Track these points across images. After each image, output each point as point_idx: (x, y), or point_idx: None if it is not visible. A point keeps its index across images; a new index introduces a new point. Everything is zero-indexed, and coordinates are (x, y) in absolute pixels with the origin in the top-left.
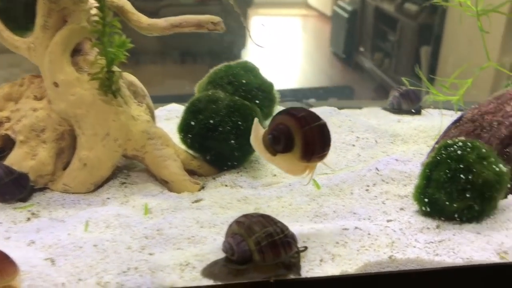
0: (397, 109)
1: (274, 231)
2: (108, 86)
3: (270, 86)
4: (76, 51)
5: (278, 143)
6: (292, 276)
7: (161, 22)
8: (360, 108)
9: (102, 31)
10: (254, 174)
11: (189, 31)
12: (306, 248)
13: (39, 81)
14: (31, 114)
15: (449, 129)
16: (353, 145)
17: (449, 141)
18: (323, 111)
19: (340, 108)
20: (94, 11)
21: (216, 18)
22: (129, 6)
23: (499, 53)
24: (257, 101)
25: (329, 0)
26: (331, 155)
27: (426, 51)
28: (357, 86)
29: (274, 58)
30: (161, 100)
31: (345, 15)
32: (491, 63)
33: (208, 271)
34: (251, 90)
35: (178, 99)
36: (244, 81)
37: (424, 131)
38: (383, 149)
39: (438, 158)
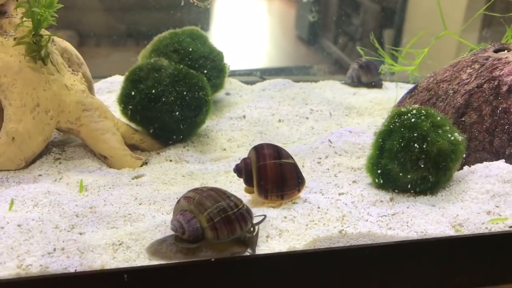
0: (356, 83)
1: (227, 206)
2: (36, 52)
3: (219, 55)
4: (0, 13)
5: (240, 175)
6: (247, 253)
7: None
8: (316, 81)
9: None
10: (202, 149)
11: None
12: (265, 216)
13: None
14: None
15: (404, 99)
16: (307, 118)
17: (403, 109)
18: (277, 83)
19: (295, 81)
20: None
21: None
22: None
23: (461, 28)
24: (205, 71)
25: None
26: (284, 128)
27: (389, 34)
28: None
29: (239, 41)
30: None
31: None
32: (447, 31)
33: (154, 249)
34: (199, 59)
35: None
36: (190, 49)
37: (379, 103)
38: (337, 121)
39: (391, 126)
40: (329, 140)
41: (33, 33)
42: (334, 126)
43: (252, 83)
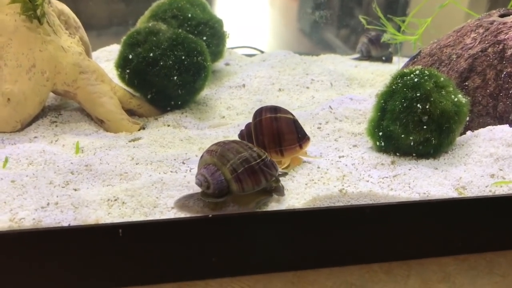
0: (366, 57)
1: (250, 156)
2: (32, 10)
3: (219, 22)
4: None
5: (243, 139)
6: (276, 197)
7: None
8: (317, 55)
9: None
10: (200, 116)
11: None
12: (286, 173)
13: None
14: None
15: (406, 65)
16: (307, 88)
17: (406, 70)
18: (278, 54)
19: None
20: None
21: None
22: None
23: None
24: (204, 38)
25: None
26: (284, 97)
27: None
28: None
29: (241, 33)
30: None
31: None
32: (452, 0)
33: (182, 204)
34: (198, 26)
35: None
36: (190, 15)
37: (381, 75)
38: (338, 91)
39: (393, 87)
40: (330, 107)
41: None
42: (335, 96)
43: (252, 55)
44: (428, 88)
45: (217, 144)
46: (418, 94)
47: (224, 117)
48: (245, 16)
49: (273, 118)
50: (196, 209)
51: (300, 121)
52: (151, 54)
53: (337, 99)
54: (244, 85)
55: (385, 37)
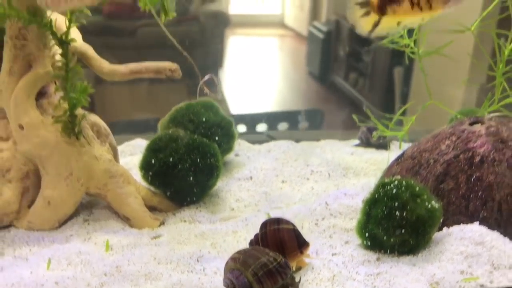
0: (365, 144)
1: (267, 261)
2: (71, 129)
3: (229, 123)
4: (41, 94)
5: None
6: None
7: (122, 68)
8: (318, 140)
9: (65, 77)
10: (213, 209)
11: (148, 77)
12: (300, 268)
13: (5, 122)
14: None
15: (392, 165)
16: (308, 179)
17: (386, 180)
18: (281, 145)
19: (297, 141)
20: (58, 57)
21: (173, 65)
22: (91, 52)
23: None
24: (217, 138)
25: (305, 20)
26: (286, 188)
27: (399, 71)
28: (331, 107)
29: (251, 77)
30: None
31: (320, 35)
32: (432, 101)
33: None
34: (211, 127)
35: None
36: (204, 119)
37: (374, 163)
38: (335, 182)
39: (376, 196)
40: (326, 203)
41: (68, 113)
42: (332, 187)
43: (260, 142)
44: (405, 198)
45: (239, 252)
46: (396, 204)
47: (233, 209)
48: (255, 59)
49: (276, 229)
50: None
51: (300, 216)
52: (171, 159)
53: (332, 194)
54: (251, 177)
55: (375, 136)
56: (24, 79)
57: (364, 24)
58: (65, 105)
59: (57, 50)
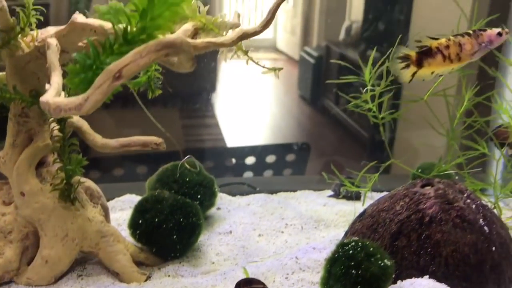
0: (338, 195)
1: None
2: (67, 196)
3: (211, 181)
4: (41, 163)
5: None
6: None
7: (113, 142)
8: (294, 191)
9: (62, 150)
10: (195, 263)
11: (135, 149)
12: None
13: (8, 187)
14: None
15: (355, 221)
16: (282, 232)
17: (345, 241)
18: (260, 199)
19: (276, 192)
20: (56, 132)
21: (158, 139)
22: (86, 127)
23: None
24: (199, 196)
25: (297, 45)
26: (263, 242)
27: (388, 96)
28: (318, 138)
29: (244, 101)
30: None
31: (312, 60)
32: (393, 160)
33: None
34: (194, 187)
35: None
36: (187, 179)
37: (344, 215)
38: (307, 234)
39: (336, 255)
40: (296, 257)
41: (65, 182)
42: (304, 240)
43: (241, 193)
44: (360, 258)
45: None
46: (352, 263)
47: (213, 263)
48: (248, 83)
49: None
50: None
51: (273, 270)
52: (156, 219)
53: (302, 248)
54: (231, 232)
55: (342, 191)
56: (26, 152)
57: (404, 74)
58: (62, 175)
59: (56, 126)
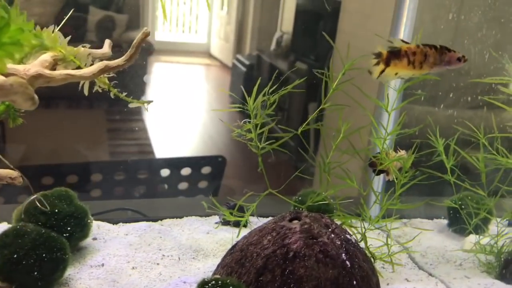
0: (226, 222)
1: None
2: None
3: (84, 212)
4: None
5: None
6: None
7: None
8: (181, 217)
9: None
10: None
11: None
12: None
13: None
14: None
15: (226, 255)
16: (158, 264)
17: (206, 279)
18: (140, 227)
19: (162, 218)
20: None
21: (14, 173)
22: None
23: None
24: (69, 228)
25: (230, 51)
26: (135, 276)
27: (313, 106)
28: (237, 150)
29: (176, 106)
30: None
31: (243, 68)
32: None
33: None
34: (64, 218)
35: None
36: (56, 210)
37: (224, 244)
38: (183, 266)
39: None
40: None
41: None
42: (179, 272)
43: (124, 220)
44: None
45: None
46: None
47: None
48: (180, 88)
49: None
50: None
51: None
52: (15, 256)
53: (173, 282)
54: (103, 264)
55: (219, 224)
56: None
57: (374, 71)
58: None
59: None
